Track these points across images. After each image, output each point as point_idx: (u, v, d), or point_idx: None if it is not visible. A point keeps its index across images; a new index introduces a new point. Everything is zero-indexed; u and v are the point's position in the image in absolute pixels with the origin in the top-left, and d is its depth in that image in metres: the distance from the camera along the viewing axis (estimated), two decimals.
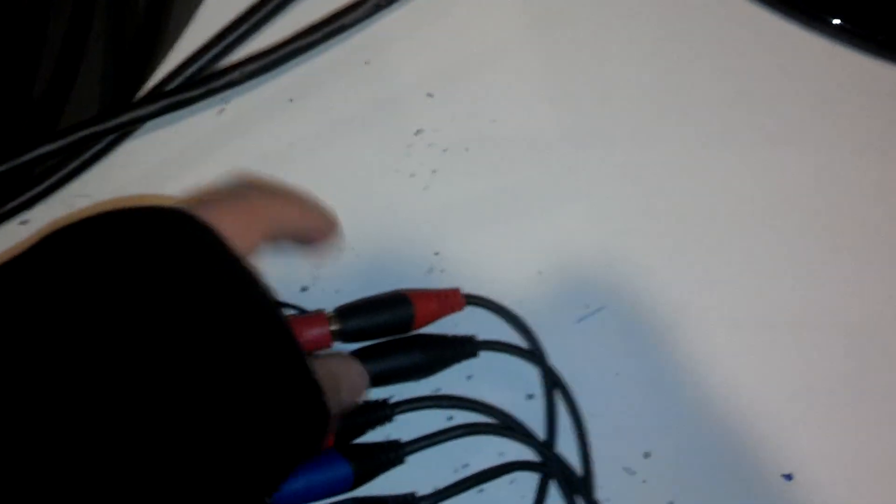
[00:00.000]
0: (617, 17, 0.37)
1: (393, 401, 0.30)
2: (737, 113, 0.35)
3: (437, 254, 0.33)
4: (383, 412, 0.29)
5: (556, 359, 0.31)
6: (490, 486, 0.30)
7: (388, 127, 0.35)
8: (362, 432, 0.29)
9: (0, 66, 0.30)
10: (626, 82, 0.36)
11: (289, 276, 0.32)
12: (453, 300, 0.31)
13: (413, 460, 0.29)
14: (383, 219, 0.33)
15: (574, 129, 0.35)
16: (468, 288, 0.31)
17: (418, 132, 0.35)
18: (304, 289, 0.32)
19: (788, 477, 0.30)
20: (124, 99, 0.33)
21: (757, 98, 0.35)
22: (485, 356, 0.31)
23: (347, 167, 0.34)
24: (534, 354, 0.31)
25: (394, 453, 0.29)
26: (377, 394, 0.30)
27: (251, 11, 0.34)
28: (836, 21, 0.36)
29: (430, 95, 0.35)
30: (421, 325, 0.30)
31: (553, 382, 0.30)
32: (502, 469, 0.29)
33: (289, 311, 0.31)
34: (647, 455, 0.30)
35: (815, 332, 0.32)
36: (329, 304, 0.30)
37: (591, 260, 0.33)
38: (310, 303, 0.31)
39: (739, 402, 0.31)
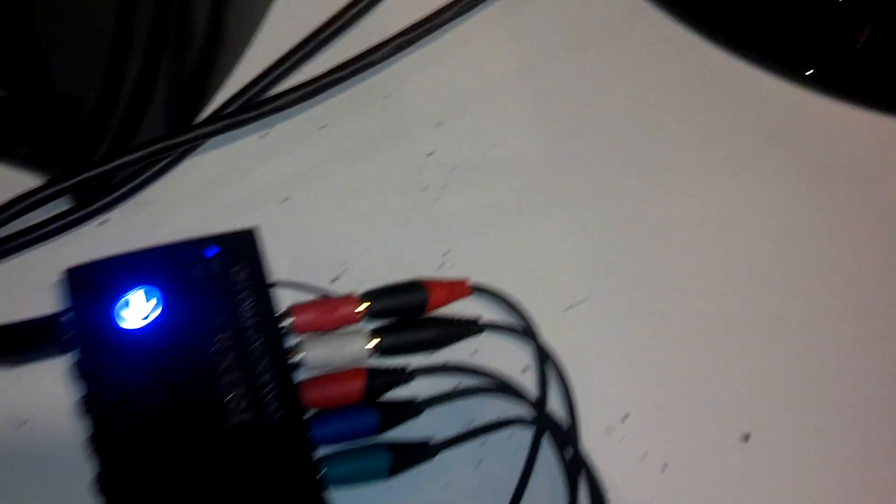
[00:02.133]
0: (590, 60, 0.43)
1: (410, 369, 0.35)
2: (694, 144, 0.42)
3: (447, 252, 0.38)
4: (403, 376, 0.35)
5: (546, 339, 0.36)
6: (492, 439, 0.34)
7: (404, 149, 0.41)
8: (385, 391, 0.35)
9: (92, 93, 0.36)
10: (602, 114, 0.42)
11: (321, 268, 0.38)
12: (461, 288, 0.36)
13: (427, 415, 0.34)
14: (401, 224, 0.39)
15: (558, 152, 0.41)
16: (474, 279, 0.37)
17: (430, 154, 0.41)
18: (334, 279, 0.38)
19: (746, 437, 0.36)
20: (187, 122, 0.39)
21: (711, 131, 0.42)
22: (487, 336, 0.36)
23: (371, 182, 0.40)
24: (528, 333, 0.36)
25: (413, 407, 0.34)
26: (398, 362, 0.35)
27: (292, 52, 0.40)
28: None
29: (439, 124, 0.41)
30: (434, 308, 0.36)
31: (544, 356, 0.36)
32: (502, 423, 0.35)
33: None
34: (624, 417, 0.35)
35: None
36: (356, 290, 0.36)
37: (576, 259, 0.39)
38: (340, 290, 0.37)
39: (703, 369, 0.37)
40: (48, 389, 0.35)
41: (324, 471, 0.32)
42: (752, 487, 0.35)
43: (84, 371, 0.32)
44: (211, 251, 0.35)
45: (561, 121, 0.42)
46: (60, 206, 0.38)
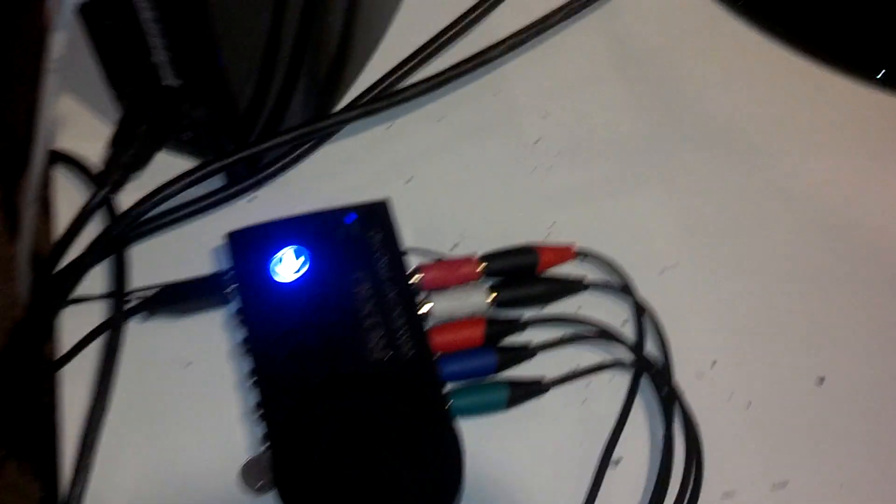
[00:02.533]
0: (676, 59, 0.48)
1: (524, 319, 0.40)
2: (765, 127, 0.46)
3: (552, 224, 0.43)
4: (518, 325, 0.39)
5: (643, 297, 0.40)
6: (595, 381, 0.39)
7: (514, 138, 0.46)
8: (503, 338, 0.39)
9: (249, 86, 0.42)
10: (687, 103, 0.47)
11: (441, 237, 0.42)
12: (566, 252, 0.41)
13: (539, 358, 0.38)
14: (511, 199, 0.44)
15: (650, 136, 0.46)
16: (578, 244, 0.41)
17: (537, 141, 0.46)
18: (453, 247, 0.43)
19: (821, 380, 0.39)
20: (325, 111, 0.45)
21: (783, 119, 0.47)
22: (591, 293, 0.40)
23: (484, 166, 0.45)
24: (627, 291, 0.40)
25: (526, 351, 0.38)
26: (512, 314, 0.39)
27: (416, 53, 0.45)
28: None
29: (545, 116, 0.47)
30: (544, 269, 0.40)
31: (641, 310, 0.40)
32: (605, 366, 0.39)
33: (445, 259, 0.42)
34: (713, 364, 0.39)
35: None
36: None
37: (668, 228, 0.43)
38: (459, 253, 0.42)
39: (780, 321, 0.41)
40: (210, 336, 0.40)
41: (451, 402, 0.36)
42: (826, 424, 0.38)
43: (246, 317, 0.37)
44: (350, 217, 0.40)
45: (651, 109, 0.47)
46: (217, 183, 0.43)
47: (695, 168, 0.45)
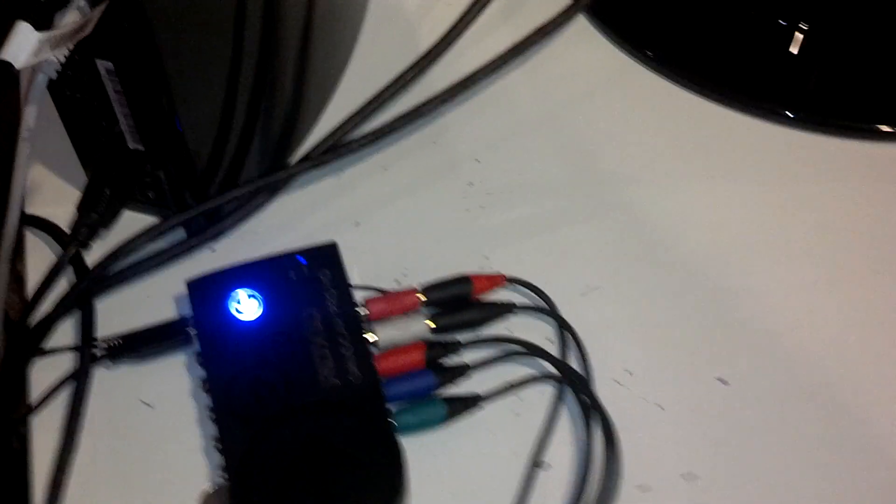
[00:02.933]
0: (595, 108, 0.53)
1: (461, 341, 0.43)
2: (675, 161, 0.51)
3: (486, 258, 0.47)
4: (455, 347, 0.43)
5: (566, 317, 0.44)
6: (527, 395, 0.42)
7: (449, 182, 0.50)
8: (441, 359, 0.42)
9: (207, 146, 0.46)
10: (606, 149, 0.52)
11: (385, 273, 0.46)
12: (497, 280, 0.45)
13: (475, 376, 0.42)
14: (449, 239, 0.48)
15: (571, 176, 0.51)
16: (508, 273, 0.45)
17: (470, 184, 0.50)
18: (398, 280, 0.47)
19: (724, 381, 0.43)
20: (280, 164, 0.49)
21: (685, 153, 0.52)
22: (520, 316, 0.44)
23: (424, 208, 0.49)
24: (551, 312, 0.45)
25: (463, 370, 0.42)
26: (450, 338, 0.43)
27: (361, 109, 0.49)
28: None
29: (477, 161, 0.51)
30: (477, 295, 0.44)
31: (564, 327, 0.44)
32: (533, 379, 0.42)
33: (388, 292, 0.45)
34: (630, 372, 0.43)
35: None
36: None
37: (588, 257, 0.47)
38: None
39: (685, 334, 0.45)
40: (173, 377, 0.43)
41: (395, 420, 0.40)
42: (731, 421, 0.42)
43: (205, 358, 0.40)
44: (302, 259, 0.43)
45: (573, 152, 0.52)
46: (180, 236, 0.47)
47: (614, 204, 0.50)
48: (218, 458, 0.38)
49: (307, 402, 0.38)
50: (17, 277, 0.46)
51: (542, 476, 0.40)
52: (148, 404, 0.42)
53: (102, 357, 0.43)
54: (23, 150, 0.39)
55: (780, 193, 0.50)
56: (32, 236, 0.48)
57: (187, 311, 0.42)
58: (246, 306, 0.42)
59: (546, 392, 0.43)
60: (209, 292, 0.42)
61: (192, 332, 0.42)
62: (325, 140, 0.48)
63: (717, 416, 0.42)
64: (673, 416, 0.42)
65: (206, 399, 0.40)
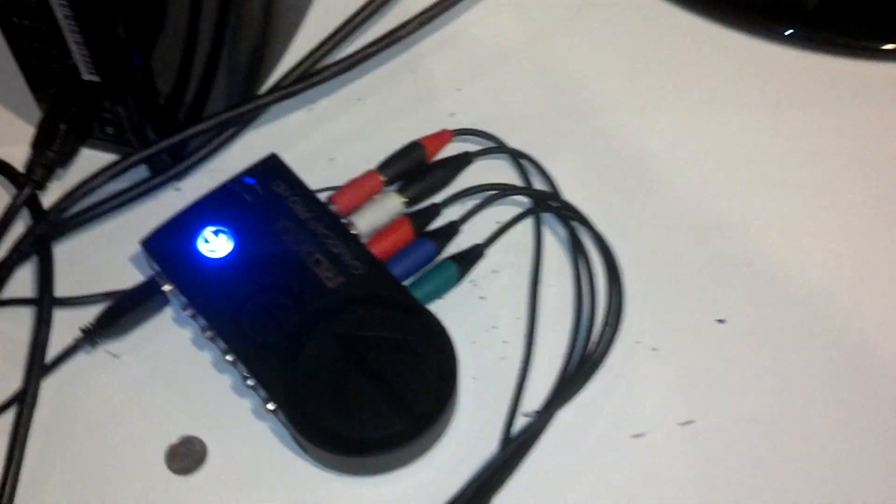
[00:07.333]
0: (585, 30, 0.50)
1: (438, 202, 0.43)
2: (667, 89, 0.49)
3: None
4: (436, 210, 0.43)
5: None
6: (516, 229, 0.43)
7: (429, 112, 0.47)
8: (428, 225, 0.43)
9: (168, 78, 0.43)
10: (591, 74, 0.49)
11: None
12: (445, 136, 0.45)
13: (466, 230, 0.43)
14: None
15: (555, 107, 0.48)
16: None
17: (451, 114, 0.48)
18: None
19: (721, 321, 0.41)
20: (249, 96, 0.46)
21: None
22: (478, 163, 0.45)
23: (404, 142, 0.45)
24: (504, 147, 0.45)
25: (453, 227, 0.43)
26: (426, 204, 0.43)
27: (333, 34, 0.45)
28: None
29: (458, 90, 0.49)
30: (432, 157, 0.44)
31: (520, 156, 0.45)
32: (521, 214, 0.44)
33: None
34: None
35: None
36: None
37: (577, 187, 0.45)
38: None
39: (683, 266, 0.43)
40: (155, 336, 0.41)
41: (415, 295, 0.39)
42: (728, 363, 0.40)
43: (198, 307, 0.38)
44: (250, 179, 0.42)
45: (557, 80, 0.49)
46: (142, 174, 0.44)
47: (599, 131, 0.47)
48: (257, 396, 0.38)
49: (323, 308, 0.38)
50: None
51: (545, 295, 0.42)
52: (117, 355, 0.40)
53: (81, 342, 0.40)
54: None
55: (776, 118, 0.47)
56: None
57: (152, 269, 0.40)
58: (216, 243, 0.40)
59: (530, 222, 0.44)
60: (170, 243, 0.40)
61: (168, 288, 0.40)
62: (295, 68, 0.45)
63: (715, 357, 0.40)
64: (668, 359, 0.40)
65: (211, 348, 0.39)
